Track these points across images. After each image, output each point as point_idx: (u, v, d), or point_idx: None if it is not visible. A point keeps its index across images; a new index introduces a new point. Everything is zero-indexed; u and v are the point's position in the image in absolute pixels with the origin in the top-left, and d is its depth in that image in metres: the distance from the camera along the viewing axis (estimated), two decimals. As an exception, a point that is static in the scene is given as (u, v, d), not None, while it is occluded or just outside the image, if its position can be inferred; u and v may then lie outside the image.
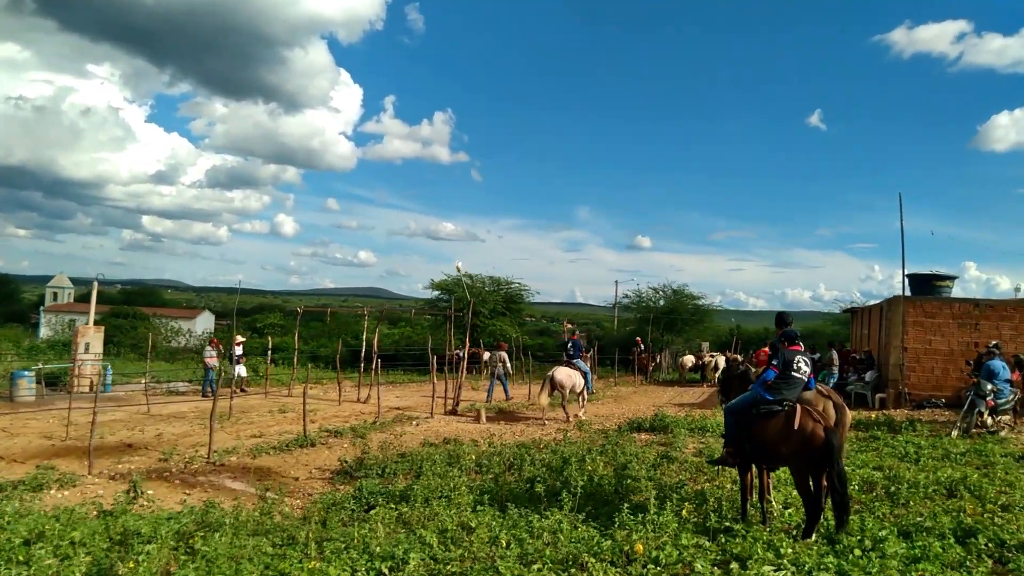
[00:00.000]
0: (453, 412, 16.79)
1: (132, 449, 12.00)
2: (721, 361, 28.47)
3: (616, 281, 48.65)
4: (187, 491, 9.20)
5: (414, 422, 15.27)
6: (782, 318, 6.93)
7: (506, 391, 20.93)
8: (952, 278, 18.34)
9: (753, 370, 7.41)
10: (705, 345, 36.29)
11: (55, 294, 74.55)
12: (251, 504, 7.84)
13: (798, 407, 6.04)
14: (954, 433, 12.07)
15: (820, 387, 7.17)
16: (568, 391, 15.52)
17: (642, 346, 30.53)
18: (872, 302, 23.58)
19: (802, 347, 6.65)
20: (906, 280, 18.28)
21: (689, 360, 29.26)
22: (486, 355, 31.33)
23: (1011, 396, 12.61)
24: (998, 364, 12.53)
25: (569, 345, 16.79)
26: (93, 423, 10.05)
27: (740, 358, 8.47)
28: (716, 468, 7.96)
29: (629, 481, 8.41)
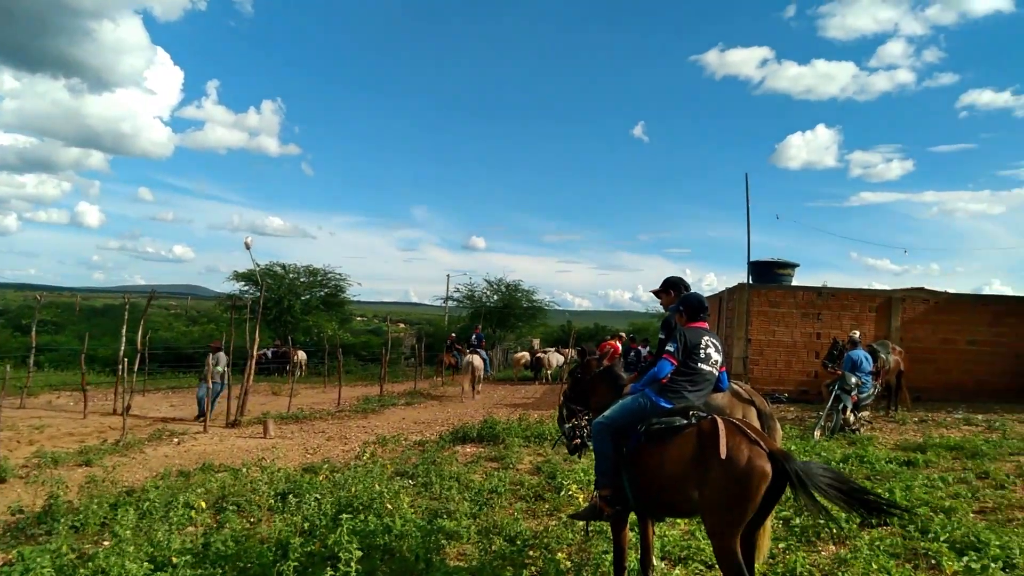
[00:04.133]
0: (235, 424, 13.38)
1: None
2: (554, 358, 26.76)
3: (448, 275, 45.84)
4: None
5: (175, 440, 11.72)
6: (674, 283, 4.62)
7: (201, 404, 14.07)
8: (794, 266, 17.60)
9: (621, 362, 5.01)
10: (536, 342, 34.73)
11: None
12: None
13: (720, 422, 3.67)
14: (817, 434, 10.65)
15: (737, 385, 4.93)
16: (480, 374, 19.84)
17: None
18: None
19: (708, 325, 4.34)
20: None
21: (522, 357, 27.31)
22: (301, 354, 27.89)
23: (872, 390, 11.46)
24: (860, 354, 11.30)
25: (474, 337, 23.54)
26: None
27: (597, 351, 5.96)
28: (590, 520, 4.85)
29: (445, 523, 5.85)
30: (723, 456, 3.48)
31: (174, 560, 4.84)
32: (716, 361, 4.17)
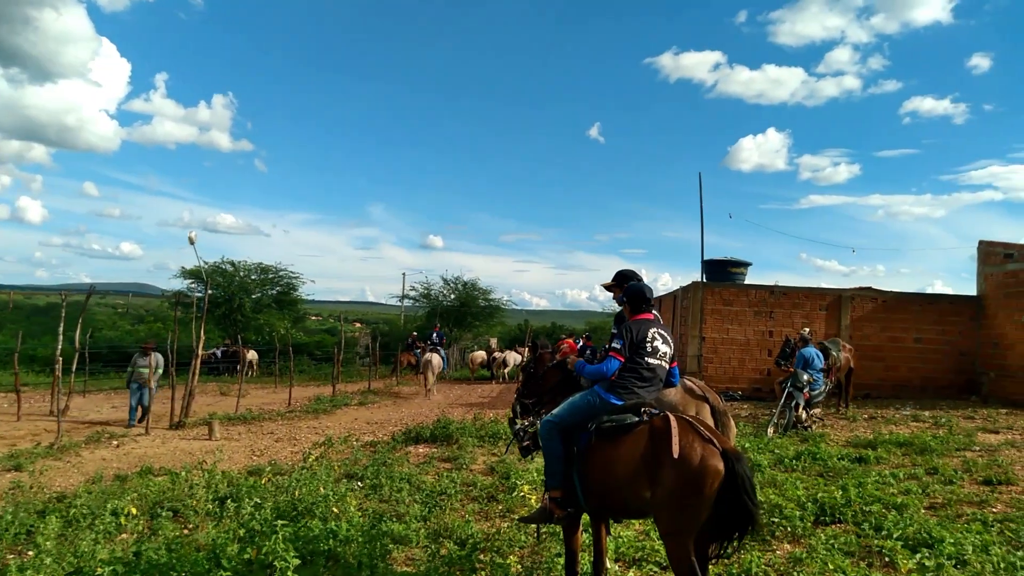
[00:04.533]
0: (179, 426, 12.88)
1: None
2: (511, 357, 26.59)
3: (404, 274, 45.51)
4: None
5: (114, 442, 11.22)
6: (626, 275, 4.48)
7: (132, 412, 13.24)
8: (746, 264, 17.75)
9: (572, 358, 4.85)
10: (493, 341, 34.60)
11: None
12: None
13: (672, 419, 3.54)
14: (770, 431, 10.69)
15: (689, 380, 4.82)
16: (437, 371, 20.30)
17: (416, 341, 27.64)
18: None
19: (657, 316, 4.20)
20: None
21: (479, 356, 27.14)
22: (252, 354, 27.30)
23: (823, 387, 11.57)
24: (812, 352, 11.41)
25: (434, 335, 23.63)
26: None
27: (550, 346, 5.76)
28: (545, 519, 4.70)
29: (392, 526, 5.64)
30: (676, 455, 3.34)
31: (98, 571, 4.52)
32: (665, 354, 4.04)
